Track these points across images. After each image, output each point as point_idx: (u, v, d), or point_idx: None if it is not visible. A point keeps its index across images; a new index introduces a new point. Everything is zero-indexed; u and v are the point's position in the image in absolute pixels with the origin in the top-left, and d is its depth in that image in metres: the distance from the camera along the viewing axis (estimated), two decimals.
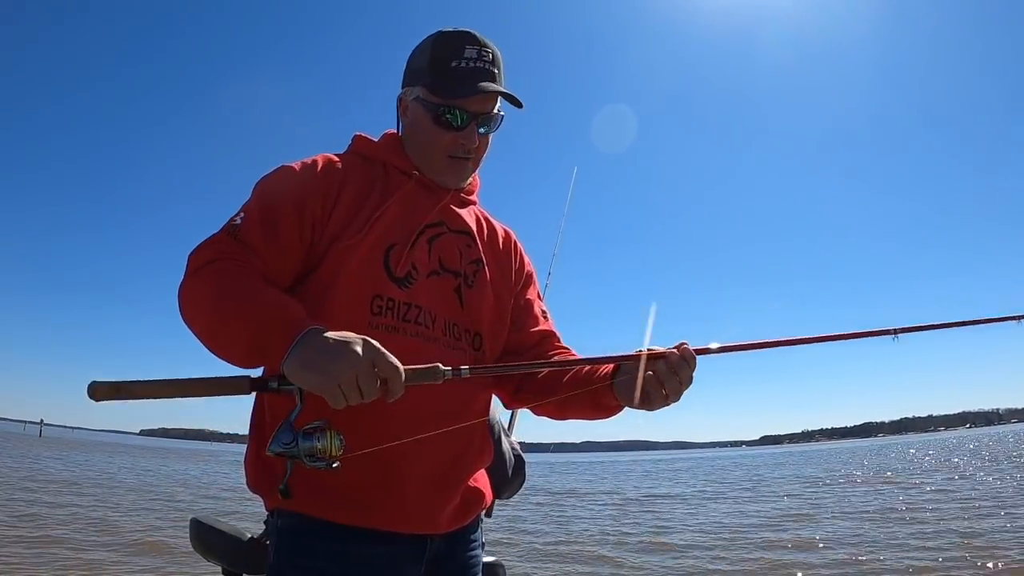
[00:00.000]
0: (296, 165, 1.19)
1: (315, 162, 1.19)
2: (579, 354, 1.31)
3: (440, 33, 1.22)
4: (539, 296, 1.44)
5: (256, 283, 1.02)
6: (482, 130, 1.23)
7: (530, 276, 1.42)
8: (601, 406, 1.21)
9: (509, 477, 1.69)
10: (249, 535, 1.49)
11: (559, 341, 1.38)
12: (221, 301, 1.00)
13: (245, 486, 1.22)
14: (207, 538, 1.51)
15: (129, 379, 0.90)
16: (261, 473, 1.15)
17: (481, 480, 1.30)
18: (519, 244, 1.42)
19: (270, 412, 1.15)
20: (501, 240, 1.38)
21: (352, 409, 0.92)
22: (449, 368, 0.99)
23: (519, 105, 1.22)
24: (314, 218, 1.13)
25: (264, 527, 1.30)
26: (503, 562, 1.62)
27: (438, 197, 1.25)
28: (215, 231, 1.11)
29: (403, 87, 1.28)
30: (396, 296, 1.14)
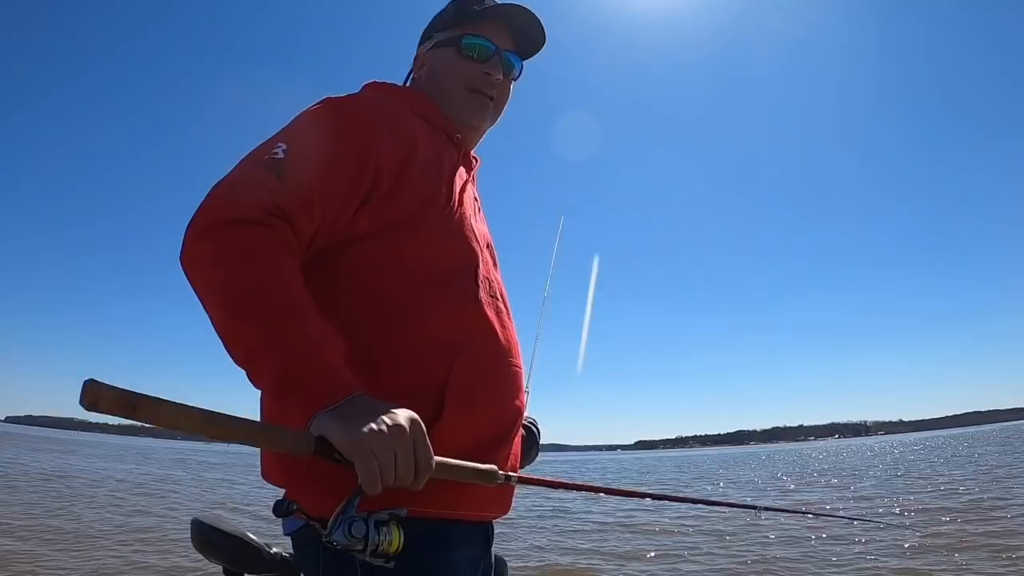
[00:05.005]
0: (351, 102, 1.00)
1: (379, 102, 1.02)
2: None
3: None
4: None
5: (297, 294, 0.81)
6: (506, 71, 1.16)
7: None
8: None
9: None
10: (252, 536, 1.44)
11: None
12: (247, 305, 0.78)
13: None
14: (208, 538, 1.47)
15: (149, 393, 0.63)
16: (293, 474, 0.93)
17: None
18: None
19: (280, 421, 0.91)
20: None
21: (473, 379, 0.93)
22: (502, 473, 0.91)
23: (543, 36, 1.18)
24: (379, 167, 0.93)
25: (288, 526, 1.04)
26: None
27: (470, 164, 1.18)
28: (246, 162, 0.88)
29: (420, 46, 1.21)
30: (480, 269, 1.05)
